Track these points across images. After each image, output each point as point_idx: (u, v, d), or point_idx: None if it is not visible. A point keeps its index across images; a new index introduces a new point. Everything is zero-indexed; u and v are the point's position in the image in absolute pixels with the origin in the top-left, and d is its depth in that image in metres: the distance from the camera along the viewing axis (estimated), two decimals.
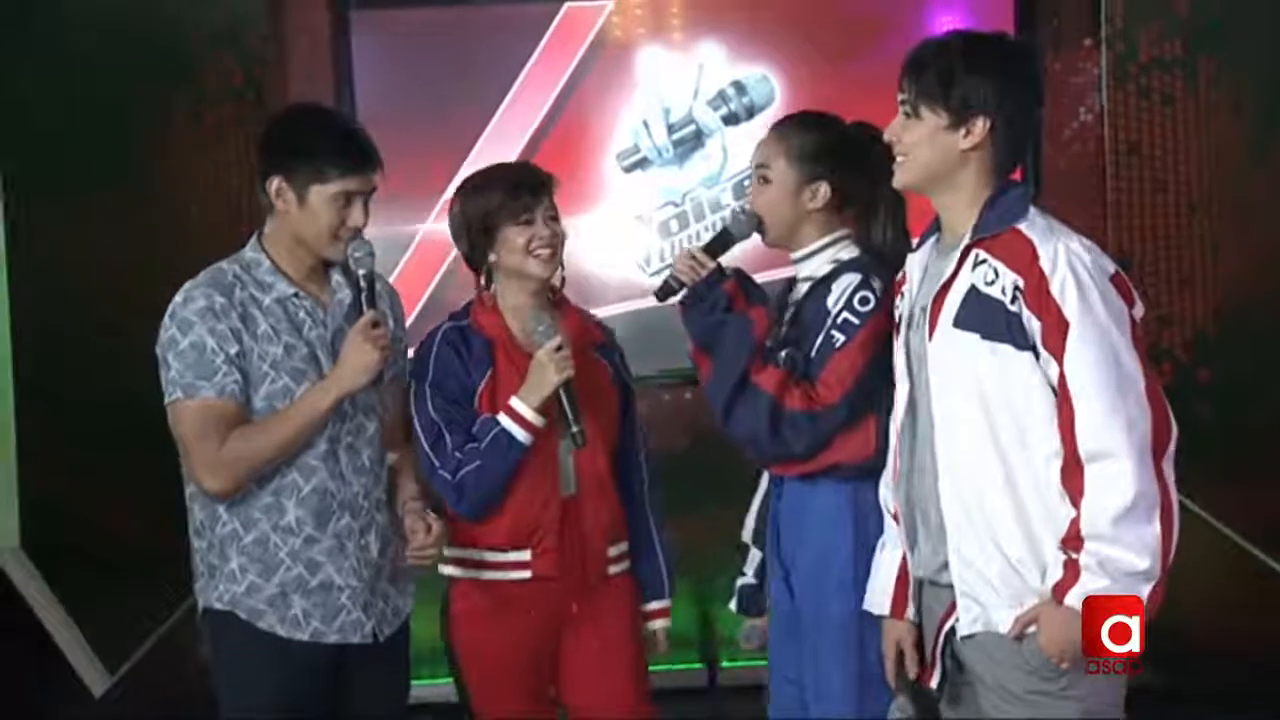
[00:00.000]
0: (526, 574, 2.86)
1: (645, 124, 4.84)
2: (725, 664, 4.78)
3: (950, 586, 2.44)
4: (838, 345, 2.74)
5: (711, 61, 4.83)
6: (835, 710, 2.77)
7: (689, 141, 4.83)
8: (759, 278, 2.94)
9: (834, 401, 2.73)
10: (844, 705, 2.76)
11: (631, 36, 4.86)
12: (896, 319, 2.61)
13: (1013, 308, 2.35)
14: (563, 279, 2.96)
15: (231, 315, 2.65)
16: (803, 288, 2.89)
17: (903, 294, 2.60)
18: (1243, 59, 4.62)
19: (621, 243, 4.87)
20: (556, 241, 2.90)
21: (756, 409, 2.75)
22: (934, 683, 2.48)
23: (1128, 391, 2.29)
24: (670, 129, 4.84)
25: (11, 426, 4.07)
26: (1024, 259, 2.35)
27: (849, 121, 2.92)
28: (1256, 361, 4.59)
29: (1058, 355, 2.31)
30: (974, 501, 2.39)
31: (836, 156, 2.85)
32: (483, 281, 2.95)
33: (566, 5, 4.82)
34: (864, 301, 2.75)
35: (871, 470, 2.71)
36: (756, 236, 2.92)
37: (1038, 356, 2.34)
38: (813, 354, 2.78)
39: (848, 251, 2.86)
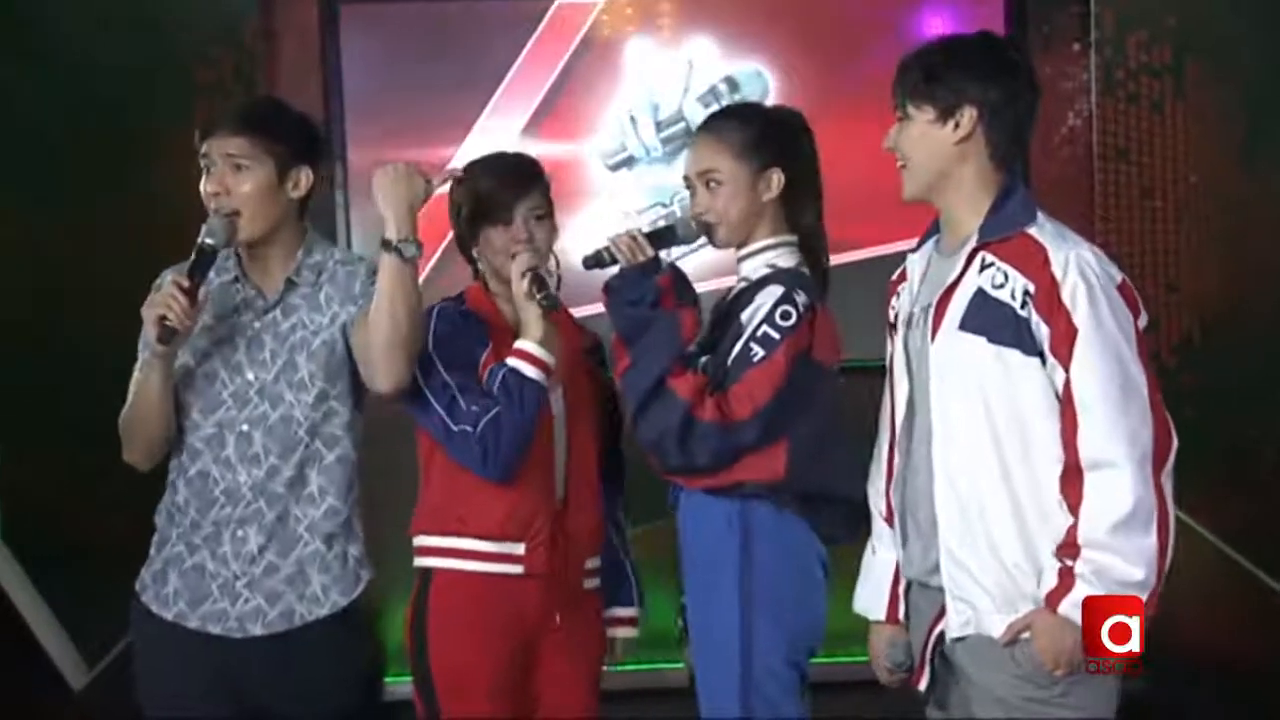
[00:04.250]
0: (519, 568, 2.74)
1: (632, 120, 4.82)
2: None
3: (940, 589, 2.43)
4: (755, 360, 2.64)
5: (702, 58, 4.82)
6: None
7: (679, 139, 4.78)
8: (701, 287, 2.82)
9: (745, 417, 2.63)
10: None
11: (622, 33, 4.85)
12: (893, 319, 2.60)
13: (1022, 312, 2.34)
14: (559, 278, 2.83)
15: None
16: (737, 287, 2.80)
17: (899, 293, 2.59)
18: (1230, 65, 4.64)
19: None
20: (538, 243, 2.78)
21: (669, 414, 2.64)
22: (922, 685, 2.47)
23: (1132, 402, 2.29)
24: (659, 126, 4.83)
25: None
26: (1035, 264, 2.34)
27: (773, 107, 3.01)
28: (1242, 367, 4.60)
29: (1064, 362, 2.30)
30: (971, 503, 2.38)
31: (778, 141, 2.79)
32: (472, 270, 2.89)
33: (557, 2, 4.81)
34: (785, 316, 2.65)
35: (774, 490, 2.66)
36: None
37: (1044, 362, 2.33)
38: (728, 363, 2.67)
39: (786, 259, 2.78)
